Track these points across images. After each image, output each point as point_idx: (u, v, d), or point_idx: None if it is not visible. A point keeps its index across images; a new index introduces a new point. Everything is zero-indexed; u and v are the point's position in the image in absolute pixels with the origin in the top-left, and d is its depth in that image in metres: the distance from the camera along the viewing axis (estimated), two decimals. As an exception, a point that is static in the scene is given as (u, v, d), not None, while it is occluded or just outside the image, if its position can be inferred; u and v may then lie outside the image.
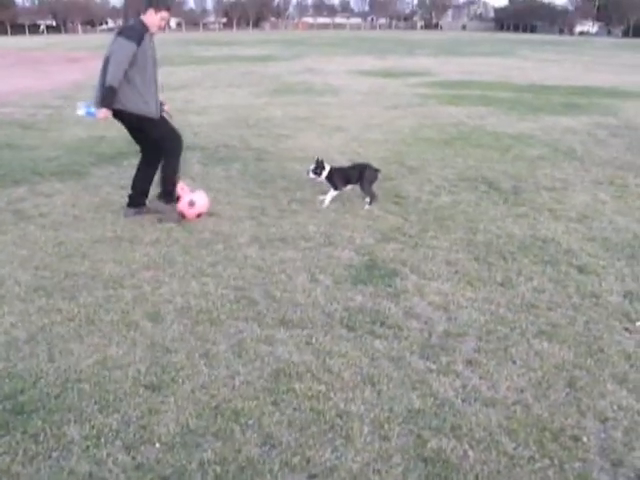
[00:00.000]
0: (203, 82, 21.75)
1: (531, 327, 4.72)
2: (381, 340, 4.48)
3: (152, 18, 6.49)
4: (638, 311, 5.04)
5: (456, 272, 5.66)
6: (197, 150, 10.35)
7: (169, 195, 7.03)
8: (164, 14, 6.53)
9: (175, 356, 4.21)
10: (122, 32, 6.42)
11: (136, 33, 6.38)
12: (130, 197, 7.18)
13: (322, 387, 3.89)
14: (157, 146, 6.87)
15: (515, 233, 6.67)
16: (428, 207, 7.51)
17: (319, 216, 7.13)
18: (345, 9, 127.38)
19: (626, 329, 4.76)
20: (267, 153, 10.27)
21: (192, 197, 7.03)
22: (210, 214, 7.12)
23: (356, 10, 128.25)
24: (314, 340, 4.45)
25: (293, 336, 4.50)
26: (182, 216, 7.00)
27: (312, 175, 7.42)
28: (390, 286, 5.35)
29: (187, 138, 11.09)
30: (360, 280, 5.46)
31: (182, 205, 6.99)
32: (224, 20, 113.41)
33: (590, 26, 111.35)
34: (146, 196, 7.20)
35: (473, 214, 7.26)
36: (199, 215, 7.04)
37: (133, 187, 7.16)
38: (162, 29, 6.88)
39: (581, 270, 5.79)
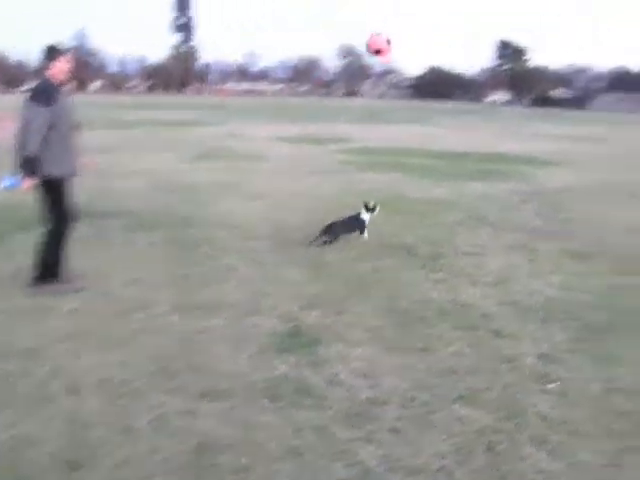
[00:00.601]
0: (127, 146, 21.64)
1: (451, 392, 4.81)
2: (305, 410, 4.48)
3: (55, 70, 6.43)
4: (552, 373, 5.21)
5: (377, 338, 5.74)
6: (120, 216, 10.24)
7: (41, 278, 6.65)
8: (63, 62, 6.44)
9: (95, 431, 4.11)
10: (33, 96, 6.29)
11: (46, 95, 6.28)
12: (37, 271, 6.73)
13: (246, 460, 3.85)
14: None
15: (434, 298, 6.83)
16: (349, 274, 7.61)
17: (242, 284, 7.14)
18: (268, 76, 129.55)
19: (542, 391, 4.91)
20: (191, 219, 10.24)
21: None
22: (131, 282, 7.05)
23: (279, 77, 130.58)
24: (237, 412, 4.42)
25: (216, 408, 4.46)
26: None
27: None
28: (314, 354, 5.37)
29: (110, 204, 11.08)
30: (284, 348, 5.47)
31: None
32: (148, 84, 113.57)
33: (502, 95, 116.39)
34: (54, 269, 6.80)
35: (394, 280, 7.40)
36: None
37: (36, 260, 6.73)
38: (68, 77, 6.66)
39: (498, 334, 5.96)
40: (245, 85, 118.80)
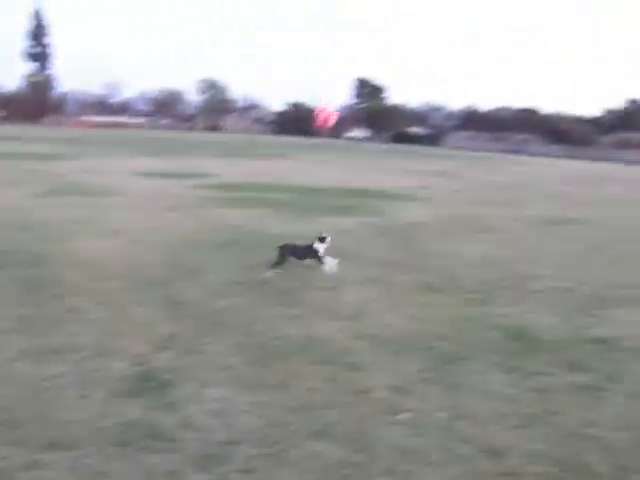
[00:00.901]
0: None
1: (306, 428, 4.84)
2: (156, 454, 4.37)
3: None
4: (403, 404, 5.35)
5: (232, 377, 5.70)
6: (-37, 257, 9.67)
7: None
8: None
9: None
10: None
11: None
12: None
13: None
14: None
15: (290, 334, 6.86)
16: (204, 311, 7.52)
17: (92, 325, 6.90)
18: (128, 108, 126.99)
19: (393, 422, 5.04)
20: (42, 258, 9.80)
21: None
22: (-28, 328, 6.65)
23: (139, 110, 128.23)
24: (85, 461, 4.25)
25: (62, 459, 4.27)
26: None
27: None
28: (166, 396, 5.25)
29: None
30: (135, 392, 5.31)
31: None
32: (2, 114, 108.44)
33: (361, 132, 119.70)
34: None
35: (249, 317, 7.39)
36: None
37: None
38: None
39: (353, 367, 6.07)
40: (105, 117, 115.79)
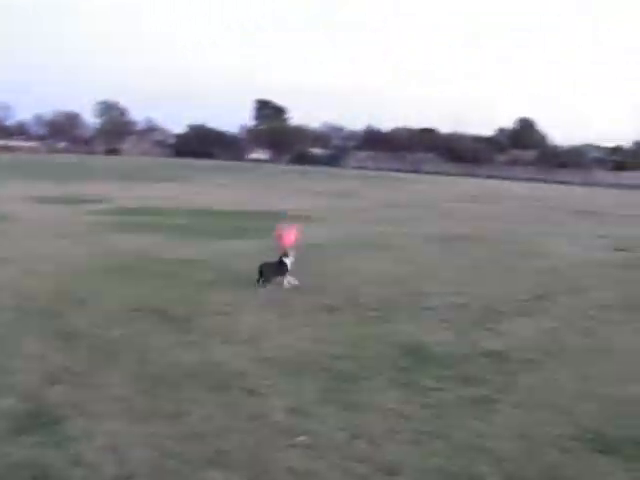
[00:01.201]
0: None
1: (201, 457, 4.77)
2: (42, 495, 4.20)
3: None
4: (301, 426, 5.35)
5: (125, 409, 5.55)
6: None
7: None
8: None
9: None
10: None
11: None
12: None
13: None
14: None
15: (185, 361, 6.75)
16: (98, 342, 7.31)
17: (-22, 361, 6.59)
18: (22, 132, 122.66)
19: (291, 445, 5.02)
20: None
21: None
22: None
23: (33, 133, 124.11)
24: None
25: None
26: None
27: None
28: (56, 433, 5.06)
29: None
30: (22, 430, 5.09)
31: None
32: None
33: (262, 153, 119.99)
34: None
35: (144, 345, 7.22)
36: None
37: None
38: None
39: (250, 392, 6.03)
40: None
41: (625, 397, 6.29)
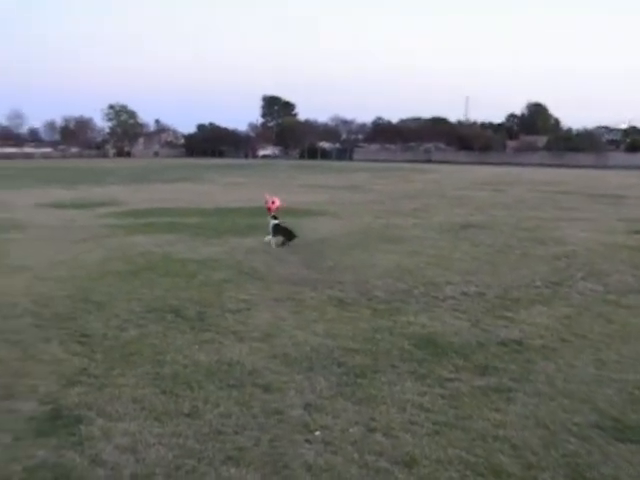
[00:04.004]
0: None
1: (218, 454, 4.81)
2: (64, 496, 4.24)
3: None
4: (317, 421, 5.37)
5: (143, 409, 5.59)
6: None
7: None
8: None
9: None
10: None
11: None
12: None
13: None
14: None
15: (201, 360, 6.79)
16: (115, 344, 7.36)
17: (-1, 366, 6.65)
18: (34, 138, 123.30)
19: (307, 440, 5.05)
20: (-60, 300, 9.38)
21: None
22: None
23: (46, 139, 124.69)
24: (-11, 511, 4.08)
25: (-37, 510, 4.09)
26: None
27: None
28: (75, 434, 5.12)
29: None
30: (43, 432, 5.16)
31: None
32: None
33: (272, 149, 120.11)
34: None
35: (160, 346, 7.27)
36: None
37: None
38: None
39: (265, 389, 6.05)
40: (9, 148, 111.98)
41: (644, 382, 6.27)
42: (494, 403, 5.78)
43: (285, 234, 14.29)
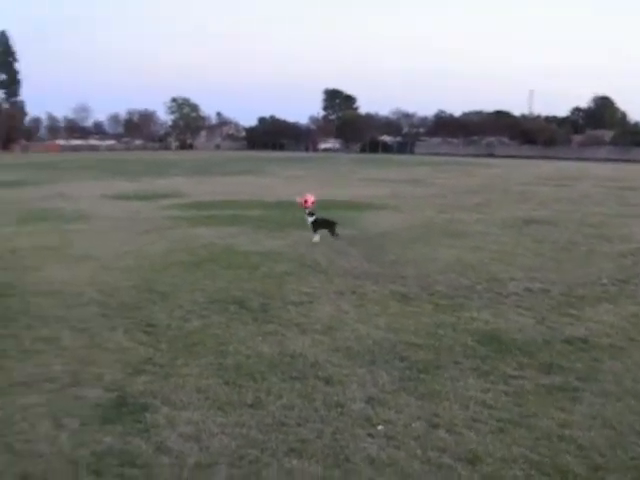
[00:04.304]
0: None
1: (281, 446, 4.84)
2: (130, 482, 4.34)
3: None
4: (379, 415, 5.36)
5: (207, 398, 5.67)
6: None
7: None
8: None
9: None
10: None
11: None
12: None
13: None
14: None
15: (264, 352, 6.84)
16: (179, 334, 7.47)
17: (65, 354, 6.82)
18: (99, 131, 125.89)
19: (369, 434, 5.04)
20: (10, 288, 9.66)
21: None
22: (-58, 363, 6.54)
23: (110, 132, 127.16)
24: (59, 493, 4.20)
25: (35, 491, 4.22)
26: None
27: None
28: (140, 422, 5.22)
29: None
30: (109, 419, 5.27)
31: None
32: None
33: (332, 143, 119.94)
34: None
35: (223, 336, 7.35)
36: None
37: None
38: None
39: (327, 381, 6.07)
40: (76, 141, 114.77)
41: None
42: (559, 402, 5.67)
43: (326, 226, 14.18)
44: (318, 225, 14.13)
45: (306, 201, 14.53)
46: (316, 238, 13.93)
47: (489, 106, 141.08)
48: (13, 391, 5.87)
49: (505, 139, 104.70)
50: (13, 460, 4.63)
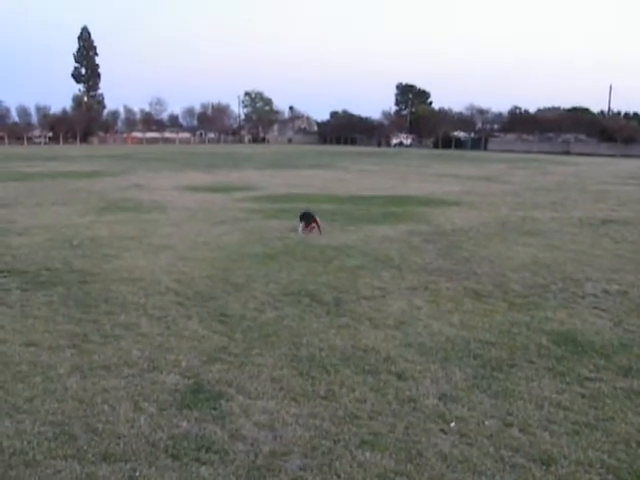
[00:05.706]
0: (26, 200, 20.85)
1: (354, 438, 4.88)
2: (207, 466, 4.46)
3: None
4: (452, 412, 5.35)
5: (281, 389, 5.76)
6: (15, 275, 9.89)
7: None
8: None
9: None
10: None
11: None
12: None
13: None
14: None
15: (337, 344, 6.90)
16: (253, 324, 7.59)
17: (144, 340, 7.02)
18: (174, 124, 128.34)
19: (442, 430, 5.04)
20: (91, 275, 9.99)
21: None
22: (28, 344, 6.82)
23: (185, 125, 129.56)
24: (138, 473, 4.36)
25: (115, 471, 4.38)
26: None
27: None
28: (216, 409, 5.34)
29: (5, 262, 10.74)
30: (185, 405, 5.41)
31: None
32: (50, 134, 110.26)
33: (405, 138, 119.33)
34: None
35: (297, 328, 7.43)
36: None
37: None
38: None
39: (399, 376, 6.08)
40: (151, 134, 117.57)
41: None
42: (638, 407, 5.55)
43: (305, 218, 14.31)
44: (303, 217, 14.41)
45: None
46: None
47: (566, 102, 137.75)
48: (94, 374, 6.08)
49: (582, 136, 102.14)
50: (95, 440, 4.81)
